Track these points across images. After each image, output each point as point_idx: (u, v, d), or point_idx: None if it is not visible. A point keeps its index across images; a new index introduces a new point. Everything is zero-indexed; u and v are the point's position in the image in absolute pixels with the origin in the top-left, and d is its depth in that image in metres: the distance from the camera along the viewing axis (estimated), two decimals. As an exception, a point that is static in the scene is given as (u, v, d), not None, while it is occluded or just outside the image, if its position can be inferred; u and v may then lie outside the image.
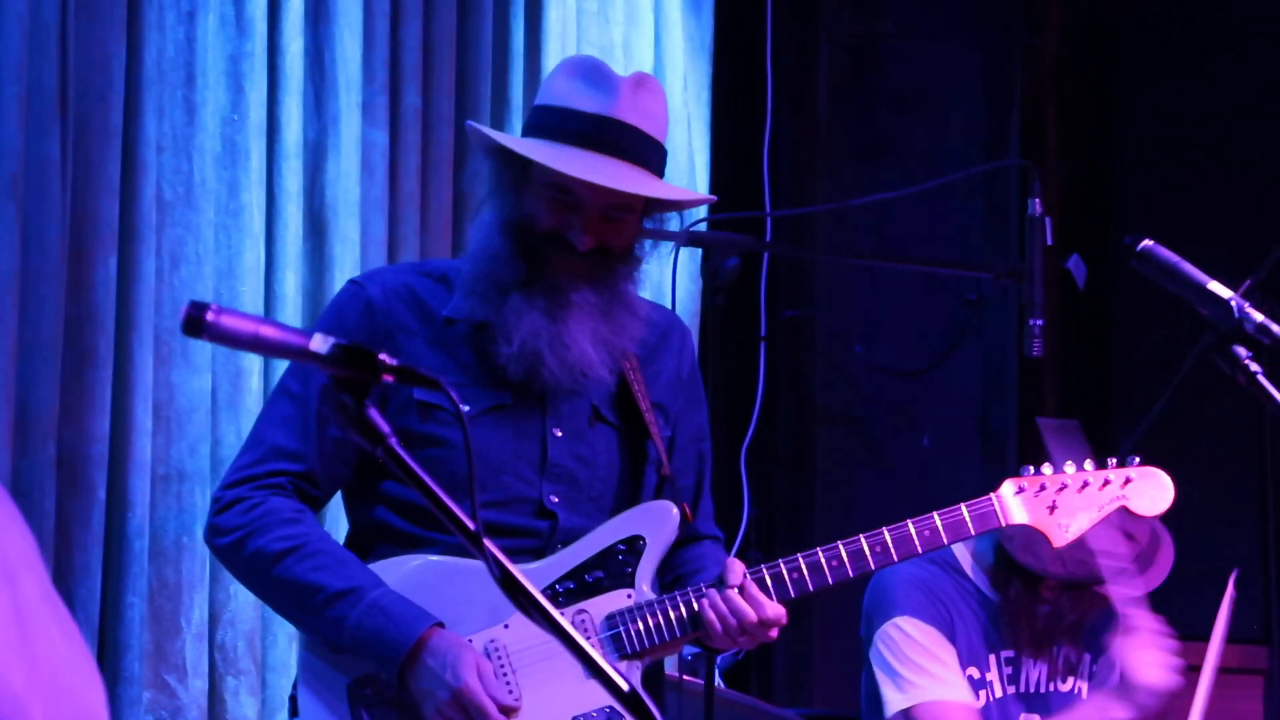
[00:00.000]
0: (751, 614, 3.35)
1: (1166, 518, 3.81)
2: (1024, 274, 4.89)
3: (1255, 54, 5.77)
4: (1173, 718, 4.09)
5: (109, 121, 4.43)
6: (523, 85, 5.35)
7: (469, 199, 4.94)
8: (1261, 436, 3.76)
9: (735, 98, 6.13)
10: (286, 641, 4.72)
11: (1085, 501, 3.62)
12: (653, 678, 3.50)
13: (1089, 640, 4.18)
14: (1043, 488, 3.61)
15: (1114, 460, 3.67)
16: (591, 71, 3.38)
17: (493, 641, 3.35)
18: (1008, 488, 3.59)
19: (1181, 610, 4.12)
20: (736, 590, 3.36)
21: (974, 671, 4.13)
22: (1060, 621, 4.14)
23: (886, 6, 6.24)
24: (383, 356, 2.27)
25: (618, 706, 2.42)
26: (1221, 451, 5.23)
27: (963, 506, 3.52)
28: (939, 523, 3.49)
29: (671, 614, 3.39)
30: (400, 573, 3.35)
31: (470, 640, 3.32)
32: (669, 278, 4.72)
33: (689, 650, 4.42)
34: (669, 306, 4.43)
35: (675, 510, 3.45)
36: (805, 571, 3.41)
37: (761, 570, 3.41)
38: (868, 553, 3.45)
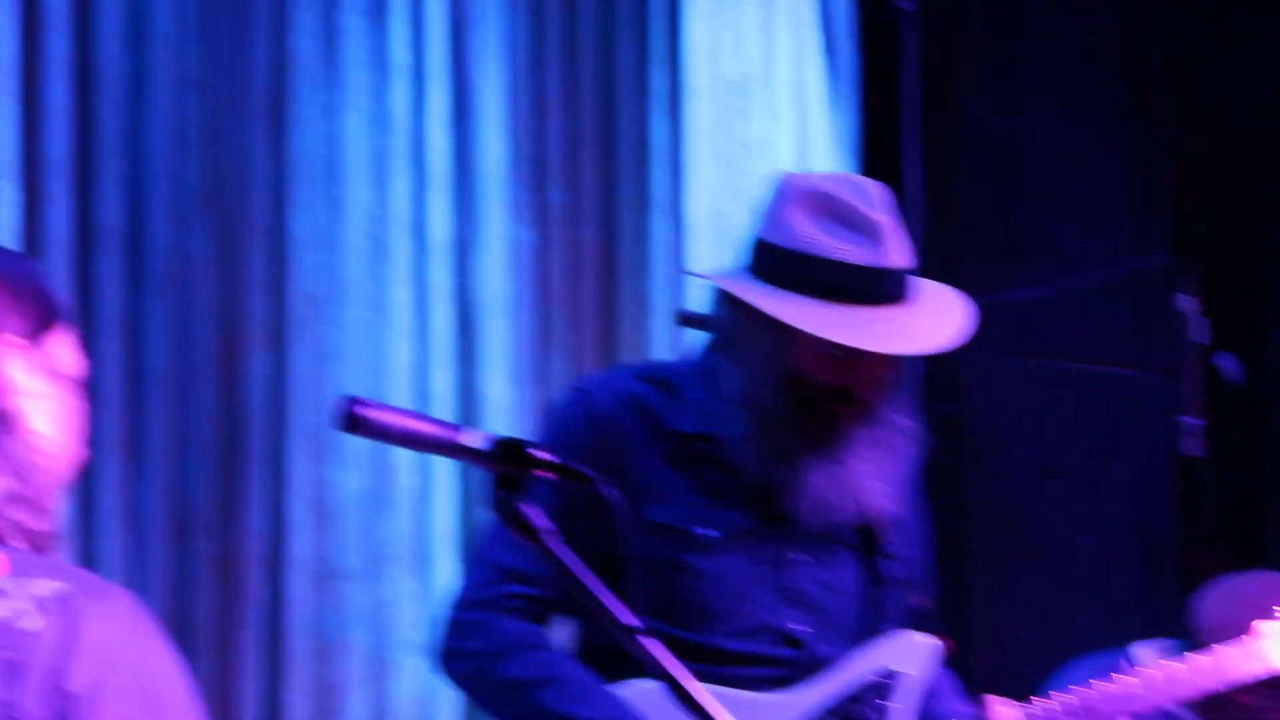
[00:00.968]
0: None
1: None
2: (1176, 371, 4.82)
3: None
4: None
5: (253, 217, 4.45)
6: (668, 182, 5.33)
7: (618, 298, 4.95)
8: None
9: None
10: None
11: None
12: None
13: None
14: None
15: None
16: (841, 208, 3.09)
17: None
18: None
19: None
20: None
21: None
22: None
23: (1028, 101, 6.20)
24: (535, 452, 2.24)
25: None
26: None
27: None
28: None
29: None
30: (649, 700, 3.10)
31: None
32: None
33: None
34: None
35: (938, 645, 3.26)
36: None
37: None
38: None
